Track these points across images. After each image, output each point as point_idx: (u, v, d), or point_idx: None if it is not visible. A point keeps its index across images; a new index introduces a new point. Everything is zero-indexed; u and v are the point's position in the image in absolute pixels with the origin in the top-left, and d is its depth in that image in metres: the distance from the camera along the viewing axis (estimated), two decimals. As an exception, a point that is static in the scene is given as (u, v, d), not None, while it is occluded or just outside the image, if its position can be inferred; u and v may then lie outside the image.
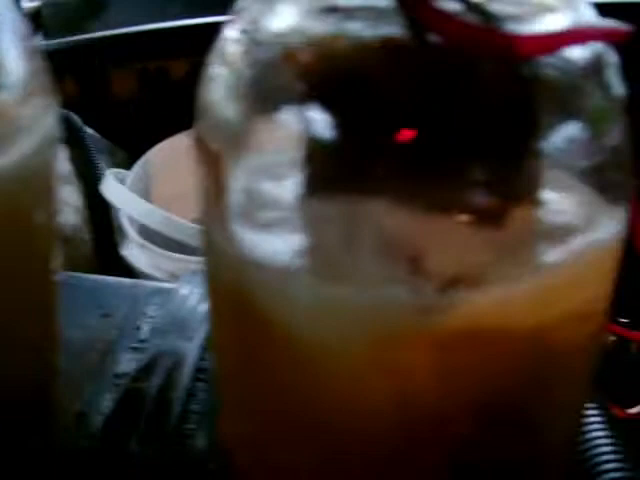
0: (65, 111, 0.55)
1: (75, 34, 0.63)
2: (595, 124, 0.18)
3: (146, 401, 0.26)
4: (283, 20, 0.17)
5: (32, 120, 0.20)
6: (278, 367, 0.19)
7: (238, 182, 0.19)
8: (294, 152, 0.18)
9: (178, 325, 0.31)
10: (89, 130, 0.55)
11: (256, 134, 0.18)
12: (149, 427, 0.25)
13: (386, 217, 0.17)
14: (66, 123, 0.53)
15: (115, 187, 0.46)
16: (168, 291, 0.34)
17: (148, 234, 0.47)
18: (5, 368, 0.22)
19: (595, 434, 0.27)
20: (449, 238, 0.17)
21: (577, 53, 0.18)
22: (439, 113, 0.17)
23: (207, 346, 0.29)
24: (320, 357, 0.18)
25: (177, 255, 0.45)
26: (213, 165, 0.19)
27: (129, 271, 0.47)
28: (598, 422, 0.27)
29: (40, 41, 0.65)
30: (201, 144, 0.20)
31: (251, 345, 0.19)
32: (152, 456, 0.24)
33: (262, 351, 0.19)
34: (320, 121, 0.17)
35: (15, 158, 0.19)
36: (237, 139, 0.19)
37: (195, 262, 0.45)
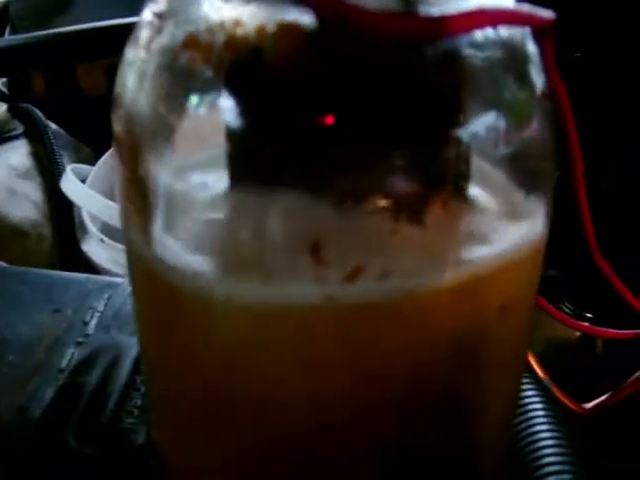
0: (27, 105, 0.54)
1: (43, 29, 0.63)
2: (514, 115, 0.18)
3: (84, 395, 0.26)
4: (193, 5, 0.17)
5: None
6: (198, 365, 0.19)
7: (154, 176, 0.18)
8: (206, 143, 0.17)
9: (121, 320, 0.30)
10: (53, 125, 0.55)
11: (168, 124, 0.18)
12: (86, 421, 0.25)
13: (294, 207, 0.17)
14: (27, 118, 0.52)
15: (74, 183, 0.46)
16: (116, 285, 0.34)
17: (109, 230, 0.47)
18: None
19: (539, 427, 0.26)
20: (360, 227, 0.17)
21: (497, 43, 0.18)
22: (351, 99, 0.16)
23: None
24: (237, 354, 0.18)
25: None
26: (129, 158, 0.19)
27: (90, 267, 0.47)
28: (543, 415, 0.27)
29: (7, 36, 0.65)
30: (117, 136, 0.19)
31: (171, 343, 0.19)
32: (88, 450, 0.24)
33: (183, 349, 0.19)
34: (228, 110, 0.17)
35: None
36: (150, 130, 0.18)
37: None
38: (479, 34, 0.17)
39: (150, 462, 0.25)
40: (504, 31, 0.18)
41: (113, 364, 0.27)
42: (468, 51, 0.17)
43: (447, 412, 0.19)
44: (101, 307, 0.32)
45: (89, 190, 0.45)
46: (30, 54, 0.60)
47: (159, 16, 0.18)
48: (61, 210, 0.48)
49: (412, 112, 0.17)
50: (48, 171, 0.49)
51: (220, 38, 0.15)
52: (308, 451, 0.19)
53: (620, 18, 0.37)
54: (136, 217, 0.19)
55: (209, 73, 0.16)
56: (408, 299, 0.17)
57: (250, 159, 0.17)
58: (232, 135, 0.17)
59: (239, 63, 0.16)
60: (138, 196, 0.18)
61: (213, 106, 0.17)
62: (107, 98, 0.59)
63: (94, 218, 0.48)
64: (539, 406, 0.28)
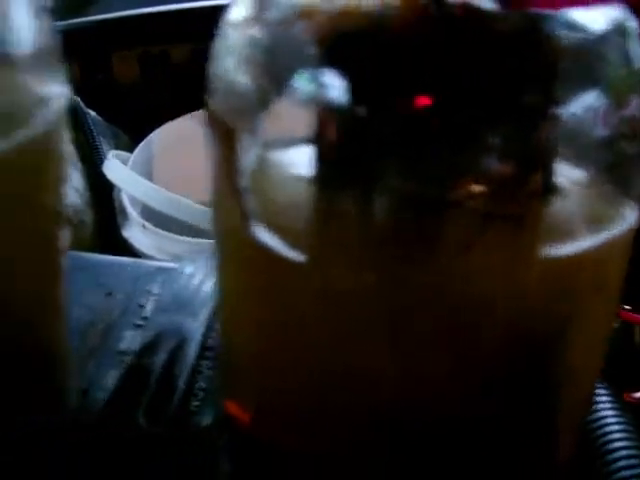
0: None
1: (77, 17, 0.63)
2: (613, 93, 0.18)
3: (151, 377, 0.26)
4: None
5: (43, 92, 0.19)
6: (295, 335, 0.19)
7: (252, 159, 0.18)
8: (310, 123, 0.17)
9: (182, 303, 0.30)
10: (92, 113, 0.55)
11: (270, 105, 0.18)
12: (154, 403, 0.25)
13: (395, 189, 0.17)
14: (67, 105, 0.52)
15: (118, 168, 0.46)
16: (171, 270, 0.34)
17: (150, 216, 0.47)
18: (11, 347, 0.22)
19: (605, 413, 0.26)
20: (457, 209, 0.17)
21: (598, 21, 0.18)
22: (455, 79, 0.16)
23: (213, 324, 0.29)
24: (332, 329, 0.18)
25: (179, 237, 0.45)
26: (226, 141, 0.19)
27: (131, 253, 0.47)
28: (609, 405, 0.27)
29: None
30: (213, 119, 0.19)
31: (267, 318, 0.19)
32: (158, 431, 0.24)
33: (276, 321, 0.19)
34: (336, 87, 0.16)
35: (29, 135, 0.19)
36: (250, 111, 0.18)
37: (197, 244, 0.44)
38: (578, 10, 0.17)
39: (217, 443, 0.25)
40: (603, 7, 0.17)
41: (178, 347, 0.27)
42: (567, 28, 0.17)
43: (536, 390, 0.19)
44: (156, 290, 0.32)
45: (135, 174, 0.45)
46: (65, 42, 0.60)
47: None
48: (102, 197, 0.48)
49: (511, 90, 0.17)
50: (89, 158, 0.49)
51: (334, 13, 0.15)
52: (391, 421, 0.20)
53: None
54: (230, 195, 0.19)
55: (320, 45, 0.16)
56: (503, 279, 0.17)
57: (355, 139, 0.17)
58: (337, 113, 0.17)
59: (353, 41, 0.16)
60: (232, 175, 0.18)
61: (318, 83, 0.17)
62: (141, 86, 0.59)
63: (135, 204, 0.48)
64: (603, 392, 0.28)
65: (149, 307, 0.31)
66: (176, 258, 0.44)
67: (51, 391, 0.25)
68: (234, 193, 0.18)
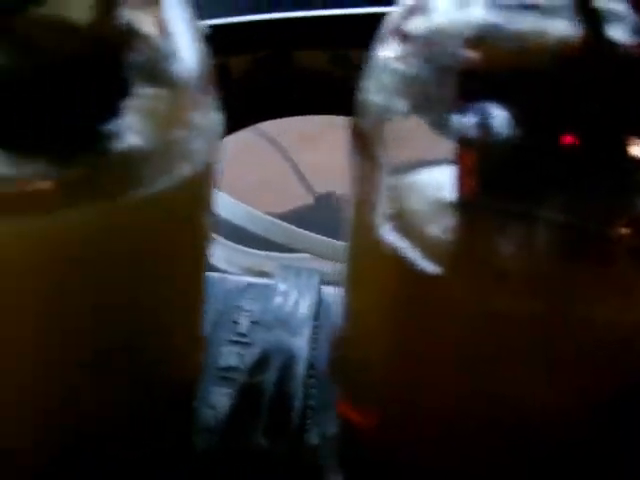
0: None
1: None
2: None
3: (264, 396, 0.26)
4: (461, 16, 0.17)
5: (203, 120, 0.20)
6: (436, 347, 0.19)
7: (393, 182, 0.19)
8: (454, 151, 0.18)
9: (280, 321, 0.30)
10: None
11: (417, 133, 0.19)
12: (273, 422, 0.25)
13: (547, 222, 0.17)
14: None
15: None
16: (261, 286, 0.34)
17: (218, 228, 0.47)
18: (163, 366, 0.22)
19: None
20: (617, 243, 0.17)
21: None
22: (616, 117, 0.17)
23: (316, 343, 0.29)
24: (468, 345, 0.19)
25: (252, 250, 0.45)
26: (369, 160, 0.19)
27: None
28: None
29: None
30: (359, 139, 0.20)
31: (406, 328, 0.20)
32: (279, 451, 0.24)
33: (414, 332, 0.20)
34: (495, 119, 0.17)
35: (193, 169, 0.19)
36: (398, 137, 0.19)
37: (266, 257, 0.45)
38: None
39: (328, 461, 0.26)
40: None
41: (286, 365, 0.28)
42: None
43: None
44: (248, 307, 0.33)
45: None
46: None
47: (414, 34, 0.18)
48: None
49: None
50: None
51: (516, 45, 0.16)
52: (525, 442, 0.20)
53: None
54: (372, 216, 0.19)
55: (489, 76, 0.16)
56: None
57: (515, 171, 0.17)
58: (496, 145, 0.17)
59: (517, 75, 0.16)
60: (375, 190, 0.19)
61: (477, 114, 0.17)
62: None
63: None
64: None
65: (244, 323, 0.32)
66: (247, 271, 0.45)
67: (185, 414, 0.25)
68: (378, 213, 0.19)
